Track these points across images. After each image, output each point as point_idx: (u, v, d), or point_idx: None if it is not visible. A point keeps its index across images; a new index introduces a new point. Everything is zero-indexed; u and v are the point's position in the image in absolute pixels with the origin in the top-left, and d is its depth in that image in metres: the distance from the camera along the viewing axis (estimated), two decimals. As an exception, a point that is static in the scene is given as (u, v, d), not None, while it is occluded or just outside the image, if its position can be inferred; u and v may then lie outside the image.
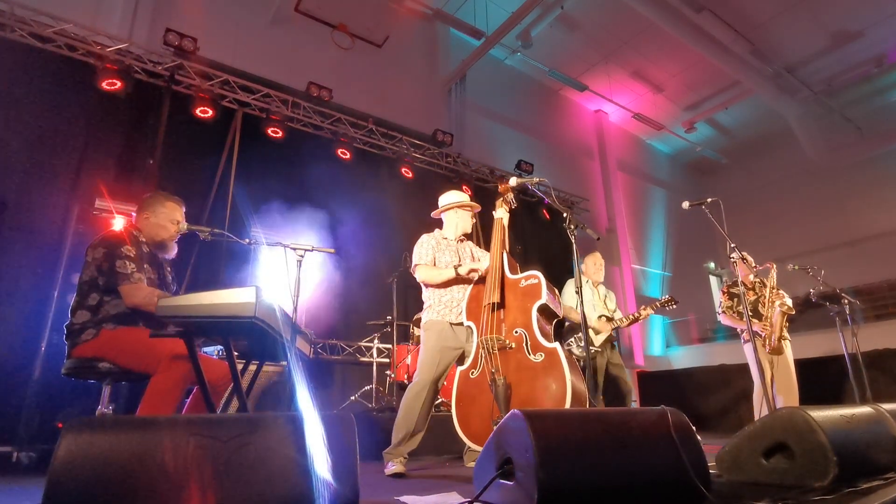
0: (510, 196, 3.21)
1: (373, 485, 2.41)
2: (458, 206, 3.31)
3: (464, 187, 7.12)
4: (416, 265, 3.13)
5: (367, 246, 5.88)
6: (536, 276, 2.86)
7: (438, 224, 3.43)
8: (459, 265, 3.04)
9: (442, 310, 3.06)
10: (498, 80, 9.79)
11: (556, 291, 2.93)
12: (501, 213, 3.18)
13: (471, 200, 3.38)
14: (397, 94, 7.95)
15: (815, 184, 11.84)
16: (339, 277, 5.81)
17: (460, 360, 3.04)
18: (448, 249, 3.21)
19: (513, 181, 3.04)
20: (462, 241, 3.34)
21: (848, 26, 8.81)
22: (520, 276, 2.94)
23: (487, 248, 3.18)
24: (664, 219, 12.39)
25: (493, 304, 2.84)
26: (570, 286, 4.41)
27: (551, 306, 2.82)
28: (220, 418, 1.20)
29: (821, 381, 5.43)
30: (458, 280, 3.05)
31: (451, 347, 3.01)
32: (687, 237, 12.41)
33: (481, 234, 5.98)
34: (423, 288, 3.17)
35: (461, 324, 3.02)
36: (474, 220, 3.40)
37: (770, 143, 12.24)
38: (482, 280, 3.01)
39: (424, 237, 3.23)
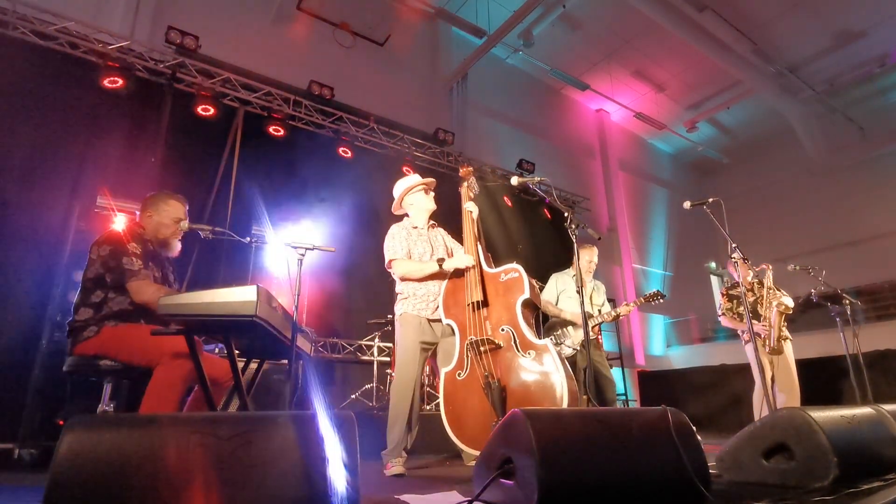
0: (472, 180, 3.13)
1: (373, 484, 2.41)
2: (409, 192, 3.15)
3: (461, 187, 7.11)
4: (391, 260, 2.97)
5: (368, 244, 5.87)
6: (517, 270, 2.77)
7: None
8: (443, 259, 2.89)
9: (418, 304, 2.93)
10: (499, 79, 9.78)
11: (534, 282, 2.84)
12: (471, 207, 3.07)
13: (423, 179, 3.21)
14: (399, 93, 7.95)
15: (817, 184, 11.82)
16: (340, 276, 5.82)
17: (443, 359, 2.92)
18: (420, 239, 3.08)
19: (514, 180, 2.99)
20: (433, 227, 3.21)
21: (850, 26, 8.79)
22: (498, 269, 2.85)
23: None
24: (665, 218, 12.38)
25: (477, 302, 2.75)
26: (551, 281, 4.34)
27: (534, 299, 2.75)
28: (222, 416, 1.21)
29: (821, 381, 5.43)
30: (438, 273, 2.92)
31: (428, 342, 2.91)
32: (688, 237, 12.40)
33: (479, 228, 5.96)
34: (397, 280, 3.03)
35: (438, 320, 2.91)
36: (433, 195, 3.20)
37: (772, 143, 12.23)
38: (457, 274, 2.90)
39: (394, 228, 3.08)
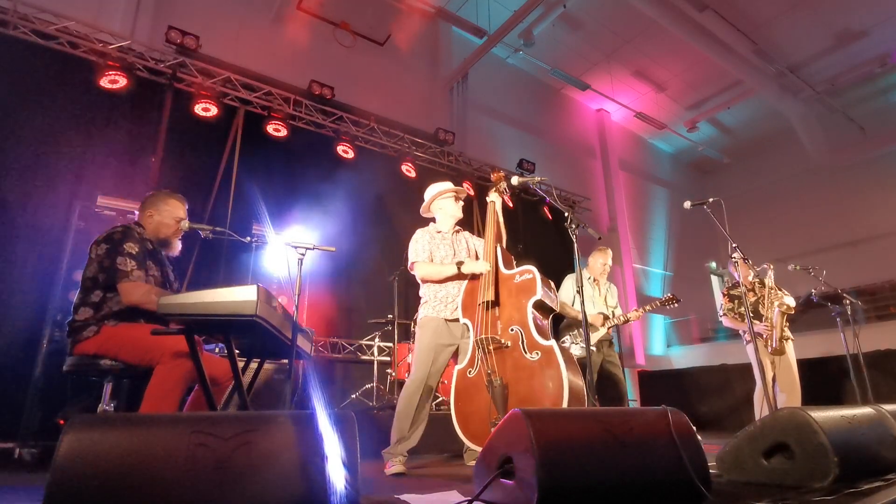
0: (503, 186, 3.20)
1: (373, 483, 2.42)
2: (439, 196, 3.25)
3: (466, 184, 7.12)
4: (413, 262, 3.09)
5: (368, 244, 5.88)
6: (531, 271, 2.82)
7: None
8: (462, 262, 2.99)
9: (437, 305, 3.03)
10: (500, 79, 9.78)
11: (552, 284, 2.90)
12: (494, 197, 3.14)
13: (455, 186, 3.31)
14: (399, 93, 7.95)
15: (818, 184, 11.82)
16: (340, 276, 5.82)
17: (456, 356, 3.01)
18: (443, 243, 3.17)
19: (514, 180, 3.02)
20: (457, 231, 3.30)
21: (851, 26, 8.79)
22: (514, 271, 2.90)
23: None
24: (666, 218, 12.38)
25: (488, 301, 2.81)
26: (567, 282, 4.37)
27: (547, 301, 2.79)
28: (222, 416, 1.21)
29: (822, 381, 5.42)
30: (457, 276, 3.01)
31: (446, 344, 2.98)
32: (688, 237, 12.40)
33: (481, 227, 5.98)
34: (420, 283, 3.14)
35: (456, 320, 2.99)
36: (462, 203, 3.31)
37: (772, 143, 12.22)
38: (477, 275, 2.97)
39: (419, 233, 3.19)
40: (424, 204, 3.32)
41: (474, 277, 2.99)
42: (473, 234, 3.44)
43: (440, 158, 7.33)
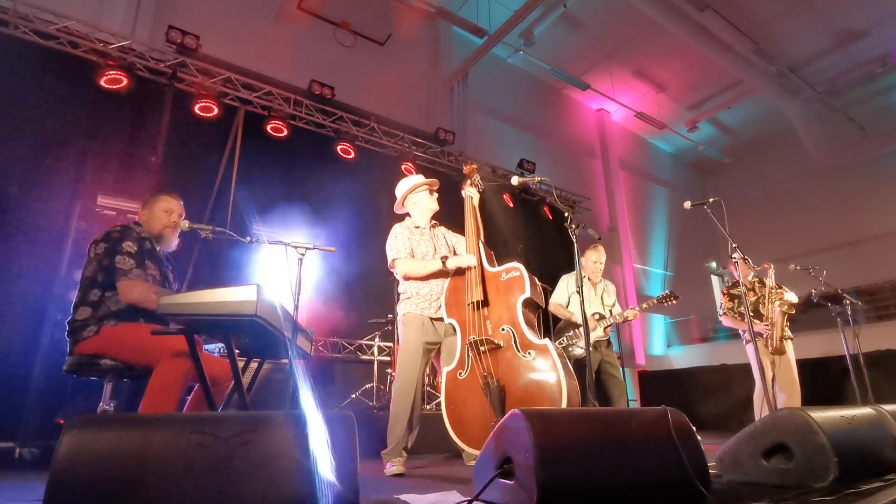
0: (477, 177, 3.14)
1: (373, 483, 2.41)
2: (412, 191, 3.16)
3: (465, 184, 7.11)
4: (394, 259, 2.98)
5: (368, 244, 5.87)
6: (518, 269, 2.78)
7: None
8: (446, 256, 2.91)
9: (421, 303, 2.94)
10: (500, 79, 9.78)
11: (535, 280, 2.85)
12: (471, 192, 3.06)
13: (426, 179, 3.22)
14: (399, 93, 7.95)
15: (818, 184, 11.81)
16: (340, 276, 5.81)
17: (445, 358, 2.93)
18: (423, 239, 3.09)
19: (515, 180, 3.00)
20: (434, 226, 3.22)
21: (852, 26, 8.78)
22: (500, 268, 2.85)
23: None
24: (666, 218, 12.38)
25: (477, 302, 2.75)
26: (562, 283, 4.33)
27: (535, 298, 2.75)
28: (221, 416, 1.21)
29: (822, 381, 5.42)
30: (440, 272, 2.93)
31: (433, 342, 2.92)
32: (689, 237, 12.39)
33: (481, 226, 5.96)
34: (400, 280, 3.04)
35: (441, 319, 2.92)
36: (436, 195, 3.21)
37: (773, 143, 12.22)
38: (459, 273, 2.89)
39: (396, 228, 3.09)
40: (398, 201, 3.22)
41: (457, 275, 2.92)
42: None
43: (440, 158, 7.33)
